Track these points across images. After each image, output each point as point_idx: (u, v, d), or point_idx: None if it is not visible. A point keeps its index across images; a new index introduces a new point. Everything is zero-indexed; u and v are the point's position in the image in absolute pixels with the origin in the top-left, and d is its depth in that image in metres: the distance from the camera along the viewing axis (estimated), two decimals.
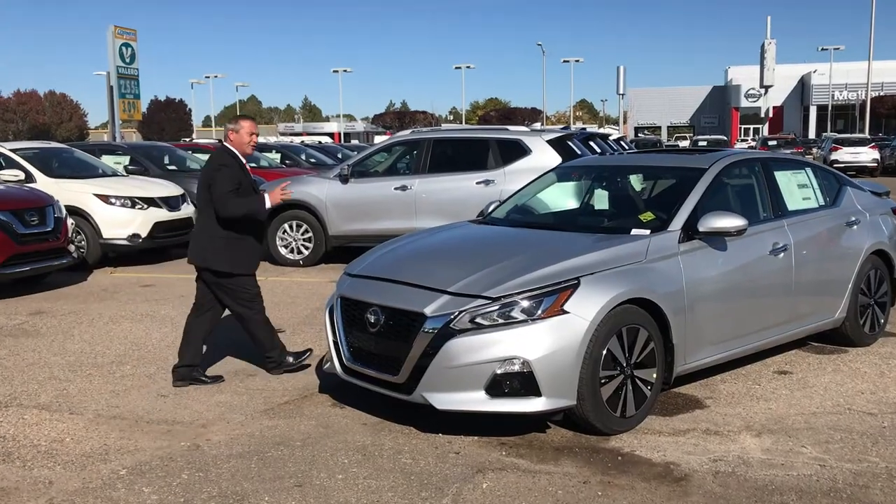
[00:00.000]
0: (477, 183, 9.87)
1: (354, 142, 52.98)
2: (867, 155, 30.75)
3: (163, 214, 10.99)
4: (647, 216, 5.15)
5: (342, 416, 4.89)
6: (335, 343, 4.92)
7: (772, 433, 4.53)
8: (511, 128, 10.74)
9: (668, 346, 4.72)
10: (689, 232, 4.96)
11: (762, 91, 70.50)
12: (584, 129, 13.81)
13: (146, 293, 9.06)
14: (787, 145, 33.15)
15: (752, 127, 74.41)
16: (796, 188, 5.95)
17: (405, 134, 11.01)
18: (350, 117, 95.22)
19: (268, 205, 5.42)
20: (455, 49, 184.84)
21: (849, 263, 6.09)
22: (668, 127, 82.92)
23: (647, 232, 4.93)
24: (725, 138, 41.76)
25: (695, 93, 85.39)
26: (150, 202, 10.97)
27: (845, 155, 30.32)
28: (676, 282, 4.76)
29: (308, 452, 4.33)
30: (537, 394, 4.22)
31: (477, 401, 4.24)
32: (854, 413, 4.84)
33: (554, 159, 9.79)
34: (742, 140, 65.59)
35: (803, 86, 74.56)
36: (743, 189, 5.64)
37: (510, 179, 9.84)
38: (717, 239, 5.03)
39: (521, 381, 4.21)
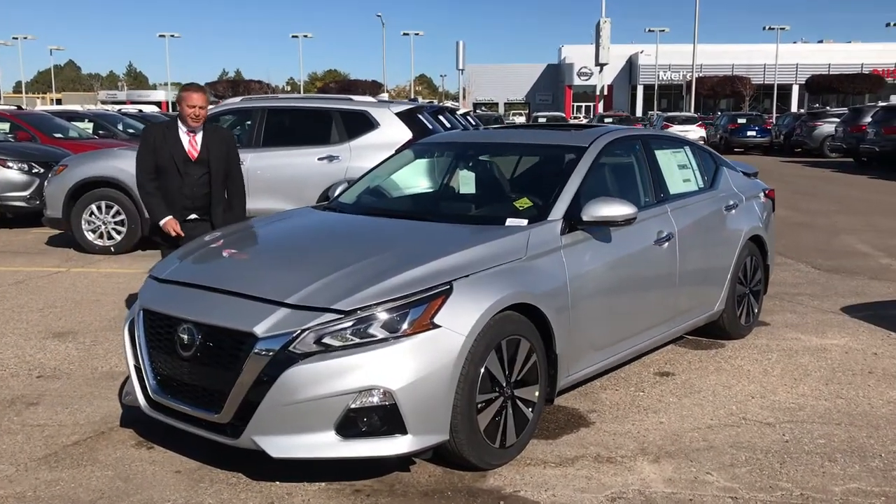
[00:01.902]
0: (318, 159, 8.82)
1: None
2: (695, 133, 32.00)
3: None
4: (524, 203, 4.36)
5: (149, 462, 3.81)
6: (137, 368, 3.82)
7: (671, 457, 3.89)
8: (356, 98, 9.74)
9: (550, 358, 3.98)
10: (572, 221, 4.22)
11: (594, 70, 72.90)
12: (432, 102, 13.00)
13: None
14: (621, 123, 33.93)
15: (584, 105, 76.84)
16: (676, 169, 5.38)
17: (235, 101, 9.74)
18: (179, 85, 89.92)
19: (161, 223, 5.21)
20: (292, 17, 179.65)
21: (728, 251, 5.62)
22: (505, 103, 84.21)
23: (525, 222, 4.15)
24: (563, 115, 42.41)
25: (530, 70, 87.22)
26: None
27: (676, 132, 31.32)
28: (560, 281, 4.01)
29: None
30: (402, 431, 3.34)
31: (325, 445, 3.31)
32: (751, 424, 4.30)
33: (404, 134, 8.93)
34: (575, 117, 67.47)
35: (631, 66, 77.72)
36: (624, 171, 4.98)
37: (356, 155, 8.89)
38: (602, 229, 4.33)
39: (382, 417, 3.32)
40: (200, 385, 3.51)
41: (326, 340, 3.32)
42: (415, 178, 5.27)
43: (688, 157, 5.58)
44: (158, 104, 58.55)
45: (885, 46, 72.19)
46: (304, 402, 3.27)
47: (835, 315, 6.60)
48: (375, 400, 3.30)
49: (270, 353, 3.31)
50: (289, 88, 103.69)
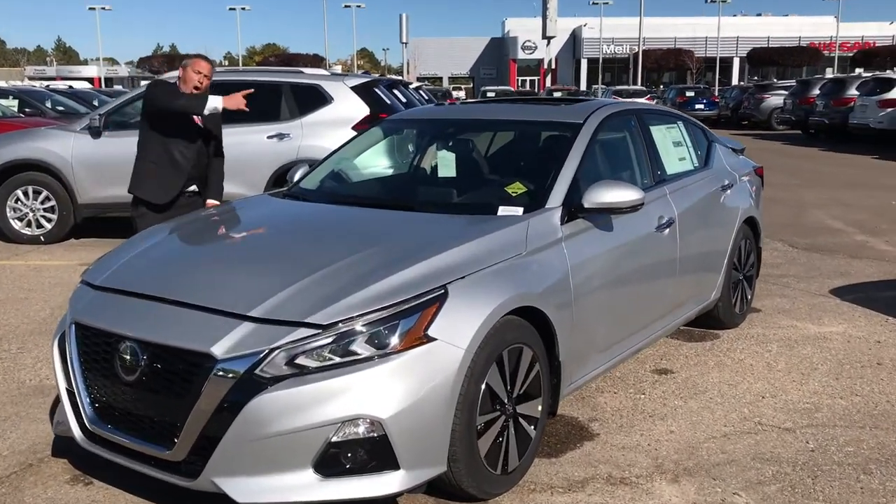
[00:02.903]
0: (268, 137, 8.15)
1: (118, 87, 48.03)
2: None
3: None
4: (517, 188, 3.83)
5: (87, 501, 3.21)
6: (70, 393, 3.20)
7: (690, 474, 3.44)
8: (307, 70, 9.06)
9: (553, 366, 3.48)
10: (572, 209, 3.72)
11: (539, 43, 72.55)
12: (384, 76, 12.37)
13: None
14: (571, 96, 33.57)
15: (528, 79, 76.47)
16: (672, 147, 4.91)
17: (174, 76, 8.95)
18: (112, 61, 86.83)
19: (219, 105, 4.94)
20: None
21: (725, 235, 5.19)
22: (449, 78, 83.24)
23: (520, 210, 3.63)
24: (511, 88, 41.77)
25: (474, 44, 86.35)
26: None
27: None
28: (562, 279, 3.51)
29: None
30: (393, 466, 2.80)
31: (302, 486, 2.75)
32: (769, 430, 3.88)
33: (360, 109, 8.32)
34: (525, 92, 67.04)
35: (575, 39, 77.49)
36: (620, 150, 4.48)
37: (309, 133, 8.25)
38: (603, 217, 3.83)
39: (370, 451, 2.78)
40: (148, 415, 2.92)
41: (301, 361, 2.76)
42: (385, 160, 4.71)
43: (682, 134, 5.12)
44: (90, 80, 56.37)
45: (821, 20, 73.32)
46: (276, 437, 2.71)
47: (825, 298, 6.26)
48: (361, 431, 2.76)
49: (233, 378, 2.74)
50: (226, 63, 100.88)
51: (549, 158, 4.01)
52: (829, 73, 61.56)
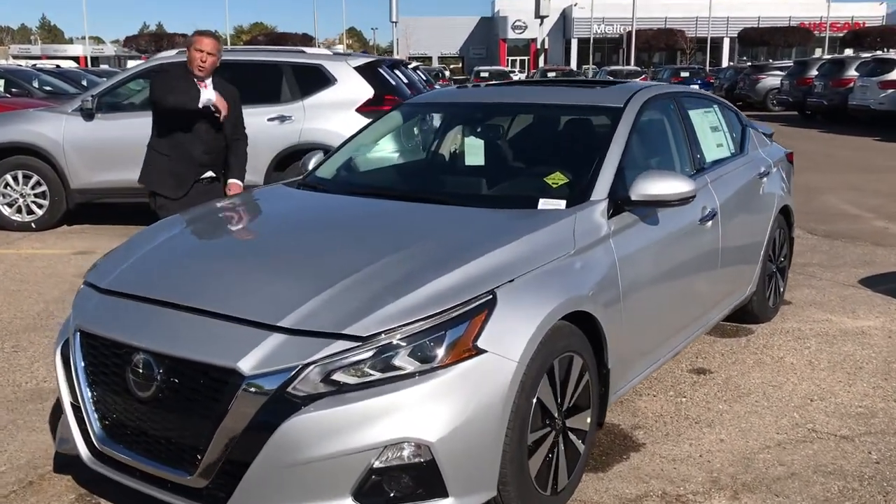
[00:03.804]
0: (269, 120, 7.79)
1: (104, 66, 47.19)
2: None
3: None
4: (557, 179, 3.52)
5: None
6: (76, 408, 2.90)
7: (751, 490, 3.18)
8: (308, 50, 8.71)
9: (601, 374, 3.21)
10: (618, 202, 3.42)
11: (527, 23, 71.90)
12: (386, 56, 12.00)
13: None
14: (564, 76, 33.17)
15: (519, 59, 75.88)
16: (710, 132, 4.61)
17: (170, 55, 8.56)
18: (98, 40, 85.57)
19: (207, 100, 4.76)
20: None
21: (762, 225, 4.92)
22: (439, 57, 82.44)
23: (562, 204, 3.33)
24: (507, 70, 41.16)
25: (464, 23, 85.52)
26: None
27: None
28: (611, 279, 3.22)
29: None
30: (441, 494, 2.52)
31: None
32: (825, 438, 3.63)
33: (364, 90, 7.99)
34: (511, 72, 66.50)
35: (565, 19, 76.81)
36: (661, 136, 4.17)
37: (311, 115, 7.91)
38: (649, 210, 3.55)
39: (416, 478, 2.49)
40: (165, 436, 2.62)
41: (338, 377, 2.46)
42: (406, 148, 4.39)
43: (718, 118, 4.83)
44: (76, 59, 55.46)
45: (812, 0, 72.91)
46: (312, 463, 2.42)
47: (855, 289, 6.01)
48: (407, 455, 2.47)
49: (263, 397, 2.44)
50: None
51: (590, 146, 3.72)
52: (818, 54, 61.42)
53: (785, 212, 5.30)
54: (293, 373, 2.45)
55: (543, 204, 3.34)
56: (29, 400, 4.06)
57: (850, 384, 4.25)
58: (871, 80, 19.71)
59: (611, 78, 29.75)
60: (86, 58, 59.74)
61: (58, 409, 3.86)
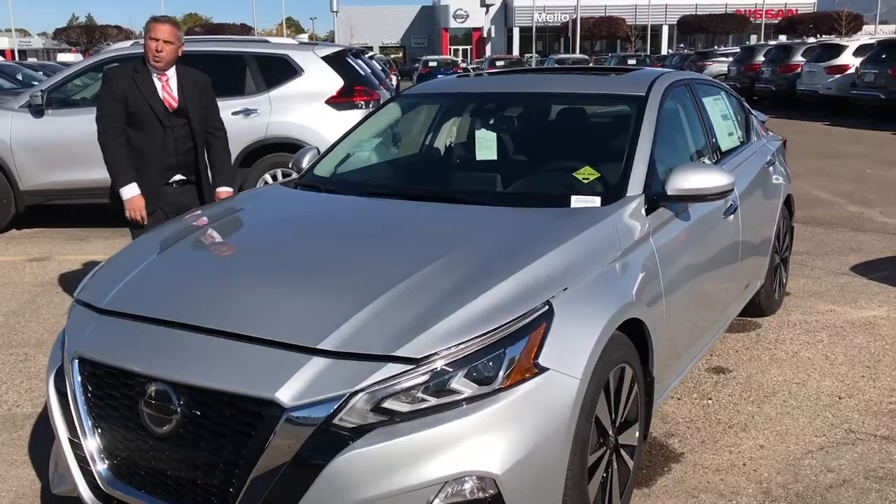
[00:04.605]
0: (233, 113, 7.37)
1: (32, 60, 45.48)
2: None
3: None
4: (587, 173, 3.28)
5: None
6: (75, 445, 2.55)
7: (805, 501, 3.00)
8: (273, 40, 8.32)
9: (647, 382, 2.99)
10: (653, 197, 3.20)
11: (469, 12, 71.67)
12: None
13: None
14: (513, 66, 33.04)
15: (461, 48, 75.60)
16: (721, 120, 4.43)
17: (125, 47, 8.10)
18: (24, 32, 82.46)
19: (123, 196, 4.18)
20: None
21: (771, 215, 4.77)
22: (380, 47, 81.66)
23: (597, 201, 3.09)
24: (457, 59, 40.68)
25: (405, 12, 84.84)
26: None
27: None
28: (654, 282, 3.00)
29: None
30: None
31: None
32: (866, 440, 3.47)
33: (334, 81, 7.67)
34: (454, 61, 66.12)
35: (506, 8, 76.72)
36: (681, 125, 3.96)
37: (278, 108, 7.56)
38: (682, 205, 3.33)
39: None
40: (188, 477, 2.30)
41: (389, 405, 2.18)
42: (409, 142, 4.09)
43: (727, 105, 4.65)
44: (2, 53, 53.37)
45: None
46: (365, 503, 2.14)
47: (850, 277, 5.93)
48: (469, 490, 2.20)
49: (306, 431, 2.14)
50: (143, 34, 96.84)
51: (617, 138, 3.48)
52: (754, 40, 62.55)
53: (787, 200, 5.16)
54: (340, 402, 2.15)
55: (576, 202, 3.09)
56: (2, 428, 3.67)
57: (873, 379, 4.13)
58: (818, 65, 20.02)
59: (556, 65, 29.76)
60: (12, 51, 57.52)
61: (38, 438, 3.50)
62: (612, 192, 3.16)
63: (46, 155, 7.43)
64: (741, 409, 3.79)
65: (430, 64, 33.24)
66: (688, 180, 3.17)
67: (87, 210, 7.73)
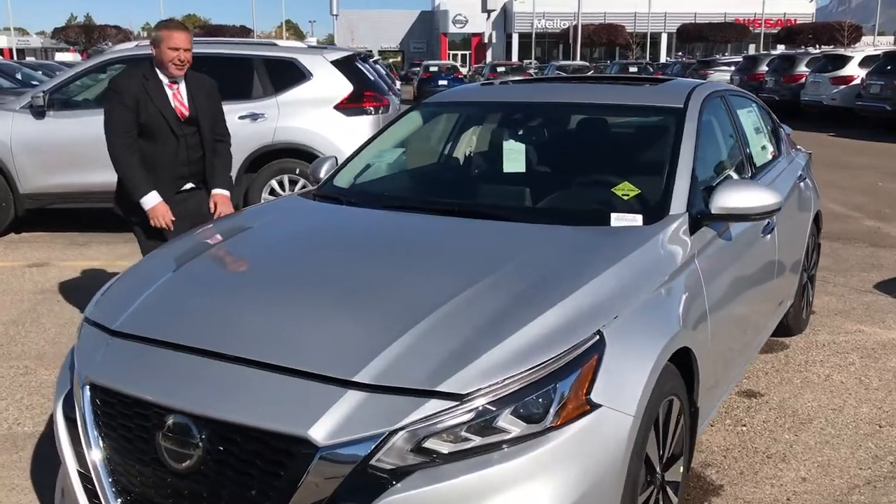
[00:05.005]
0: (239, 118, 7.20)
1: (30, 59, 45.22)
2: None
3: None
4: (626, 189, 3.11)
5: None
6: (85, 478, 2.37)
7: None
8: (281, 43, 8.14)
9: (692, 413, 2.81)
10: (697, 216, 3.03)
11: (468, 17, 71.58)
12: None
13: None
14: (514, 72, 32.90)
15: (460, 53, 75.51)
16: (755, 133, 4.27)
17: (128, 48, 7.92)
18: (22, 31, 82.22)
19: (145, 207, 3.95)
20: None
21: (802, 232, 4.61)
22: (379, 51, 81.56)
23: (639, 219, 2.92)
24: (457, 65, 40.51)
25: (404, 17, 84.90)
26: None
27: None
28: (700, 308, 2.82)
29: None
30: None
31: None
32: None
33: (343, 86, 7.50)
34: (454, 66, 65.91)
35: (506, 13, 76.73)
36: (719, 139, 3.79)
37: (286, 113, 7.39)
38: (723, 224, 3.17)
39: None
40: None
41: (431, 445, 2.00)
42: (432, 153, 3.91)
43: (759, 118, 4.48)
44: (0, 51, 53.13)
45: None
46: None
47: (874, 296, 5.77)
48: None
49: (342, 471, 1.96)
50: (144, 34, 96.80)
51: (653, 152, 3.32)
52: (752, 49, 62.59)
53: (816, 217, 5.00)
54: (379, 441, 1.98)
55: (617, 220, 2.92)
56: (1, 449, 3.48)
57: None
58: (822, 76, 19.91)
59: (559, 73, 29.68)
60: (11, 50, 57.27)
61: (41, 459, 3.32)
62: (654, 210, 2.99)
63: (47, 157, 7.25)
64: (778, 437, 3.62)
65: (431, 69, 33.07)
66: (733, 199, 3.00)
67: (88, 214, 7.54)
